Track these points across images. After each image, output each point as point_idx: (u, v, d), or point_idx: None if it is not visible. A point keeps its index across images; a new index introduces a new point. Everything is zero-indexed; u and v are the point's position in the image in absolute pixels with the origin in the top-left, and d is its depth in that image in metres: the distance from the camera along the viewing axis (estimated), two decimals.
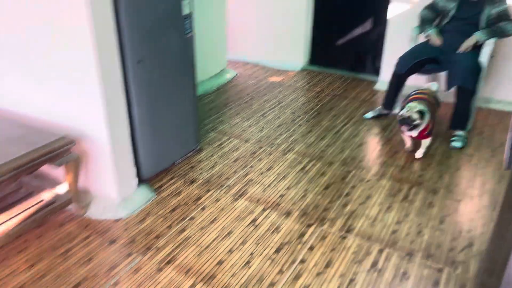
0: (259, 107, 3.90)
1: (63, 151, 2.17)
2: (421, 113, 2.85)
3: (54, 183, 2.45)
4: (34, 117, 2.44)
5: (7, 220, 2.15)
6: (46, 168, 2.26)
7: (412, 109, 2.85)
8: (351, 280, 2.02)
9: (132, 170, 2.55)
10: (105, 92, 2.20)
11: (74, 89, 2.25)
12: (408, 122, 2.86)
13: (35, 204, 2.27)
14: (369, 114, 3.69)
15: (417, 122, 2.84)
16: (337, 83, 4.50)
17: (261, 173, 2.87)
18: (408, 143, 3.14)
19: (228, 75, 4.57)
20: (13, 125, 2.30)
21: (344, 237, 2.30)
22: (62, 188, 2.38)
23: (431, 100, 3.05)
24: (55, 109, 2.37)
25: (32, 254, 2.14)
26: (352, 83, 4.50)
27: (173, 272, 2.06)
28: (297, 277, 2.04)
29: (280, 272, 2.07)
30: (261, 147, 3.21)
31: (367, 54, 4.67)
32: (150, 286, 1.98)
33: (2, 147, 2.07)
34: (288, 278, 2.03)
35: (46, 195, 2.35)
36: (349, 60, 4.77)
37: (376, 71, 4.48)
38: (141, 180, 2.64)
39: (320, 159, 3.06)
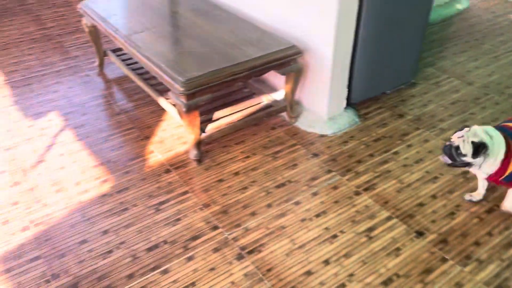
0: (491, 47, 3.34)
1: (290, 60, 2.26)
2: (478, 147, 1.70)
3: (273, 89, 2.63)
4: (268, 23, 2.58)
5: (233, 113, 2.43)
6: (268, 74, 2.42)
7: (469, 136, 1.73)
8: None
9: (344, 92, 2.53)
10: (341, 9, 2.15)
11: (311, 1, 2.27)
12: (451, 153, 1.78)
13: (256, 105, 2.50)
14: None
15: (466, 159, 1.75)
16: None
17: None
18: (481, 190, 2.00)
19: (459, 6, 3.98)
20: (251, 28, 2.48)
21: None
22: (279, 95, 2.54)
23: None
24: (289, 19, 2.45)
25: (248, 148, 2.41)
26: None
27: (370, 200, 2.06)
28: (509, 244, 1.81)
29: (489, 234, 1.86)
30: (487, 94, 2.79)
31: None
32: (346, 205, 2.03)
33: (242, 47, 2.27)
34: (497, 242, 1.82)
35: (265, 99, 2.55)
36: None
37: None
38: (349, 104, 2.62)
39: None
